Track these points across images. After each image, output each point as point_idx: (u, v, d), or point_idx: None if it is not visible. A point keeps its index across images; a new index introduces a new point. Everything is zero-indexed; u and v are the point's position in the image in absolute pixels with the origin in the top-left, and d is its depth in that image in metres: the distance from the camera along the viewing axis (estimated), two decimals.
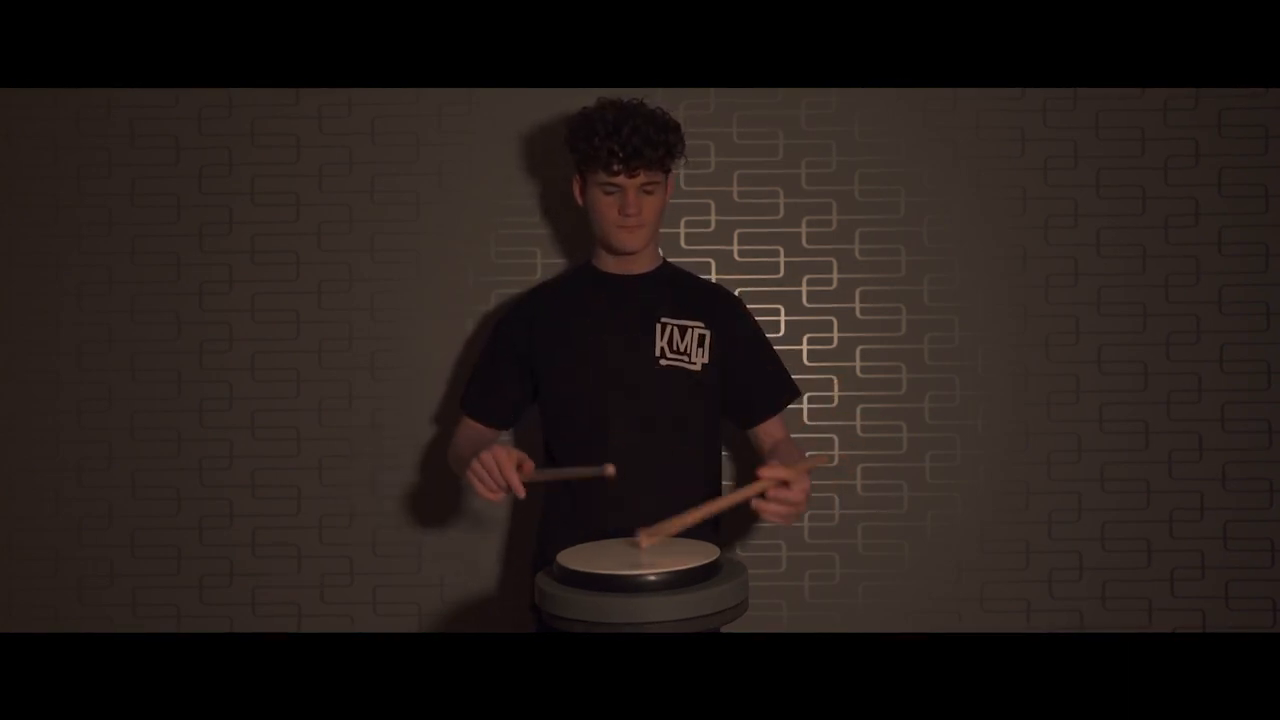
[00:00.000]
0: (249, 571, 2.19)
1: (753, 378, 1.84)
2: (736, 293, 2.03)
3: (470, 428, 1.89)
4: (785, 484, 1.50)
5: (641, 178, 1.72)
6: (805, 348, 2.18)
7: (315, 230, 2.20)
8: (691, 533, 1.65)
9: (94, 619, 2.19)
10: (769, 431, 1.85)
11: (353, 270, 2.19)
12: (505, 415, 1.88)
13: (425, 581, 2.19)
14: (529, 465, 1.58)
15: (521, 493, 1.55)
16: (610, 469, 1.52)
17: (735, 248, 2.19)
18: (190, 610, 2.19)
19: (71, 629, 2.18)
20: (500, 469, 1.54)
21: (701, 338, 1.79)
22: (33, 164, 2.19)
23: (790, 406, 1.91)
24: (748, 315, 1.88)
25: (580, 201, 1.81)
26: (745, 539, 2.18)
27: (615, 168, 1.70)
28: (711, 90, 2.18)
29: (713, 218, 2.19)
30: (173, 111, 2.20)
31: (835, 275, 2.18)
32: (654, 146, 1.70)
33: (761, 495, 1.50)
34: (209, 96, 2.19)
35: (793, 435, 2.15)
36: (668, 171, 1.77)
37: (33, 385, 2.19)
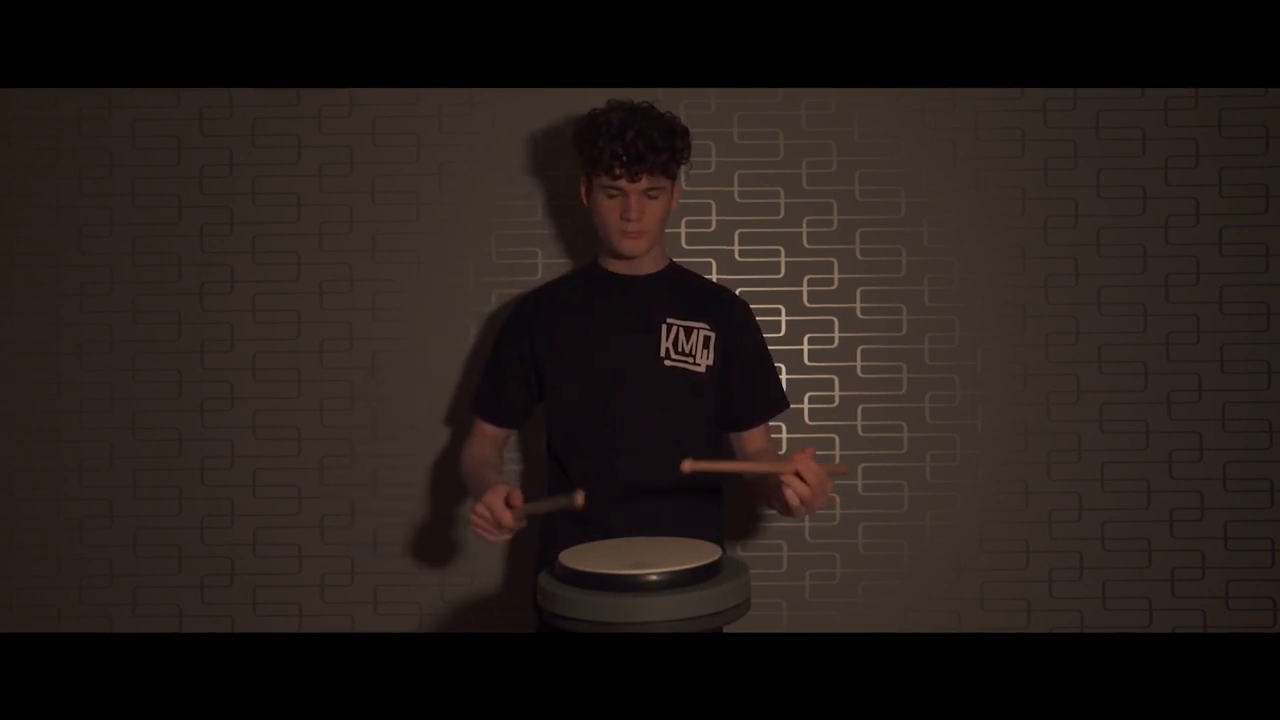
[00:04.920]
0: (250, 571, 2.19)
1: (748, 385, 1.84)
2: (737, 293, 2.03)
3: (483, 430, 1.90)
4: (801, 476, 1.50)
5: (644, 182, 1.70)
6: (806, 348, 2.18)
7: (316, 230, 2.20)
8: (693, 532, 1.66)
9: (94, 619, 2.19)
10: (752, 439, 1.85)
11: (353, 270, 2.20)
12: (515, 415, 1.89)
13: (425, 581, 2.19)
14: (517, 496, 1.58)
15: (514, 526, 1.58)
16: (579, 498, 1.51)
17: (736, 248, 2.19)
18: (191, 610, 2.19)
19: (72, 629, 2.18)
20: (493, 513, 1.56)
21: (707, 339, 1.79)
22: (34, 164, 2.20)
23: (791, 406, 1.91)
24: (753, 321, 1.87)
25: (586, 202, 1.80)
26: (746, 539, 2.19)
27: (617, 171, 1.69)
28: (712, 90, 2.18)
29: (713, 218, 2.20)
30: (174, 112, 2.20)
31: (836, 275, 2.19)
32: (657, 151, 1.69)
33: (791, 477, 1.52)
34: (210, 97, 2.19)
35: (794, 436, 2.16)
36: (672, 177, 1.75)
37: (33, 385, 2.19)
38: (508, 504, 1.56)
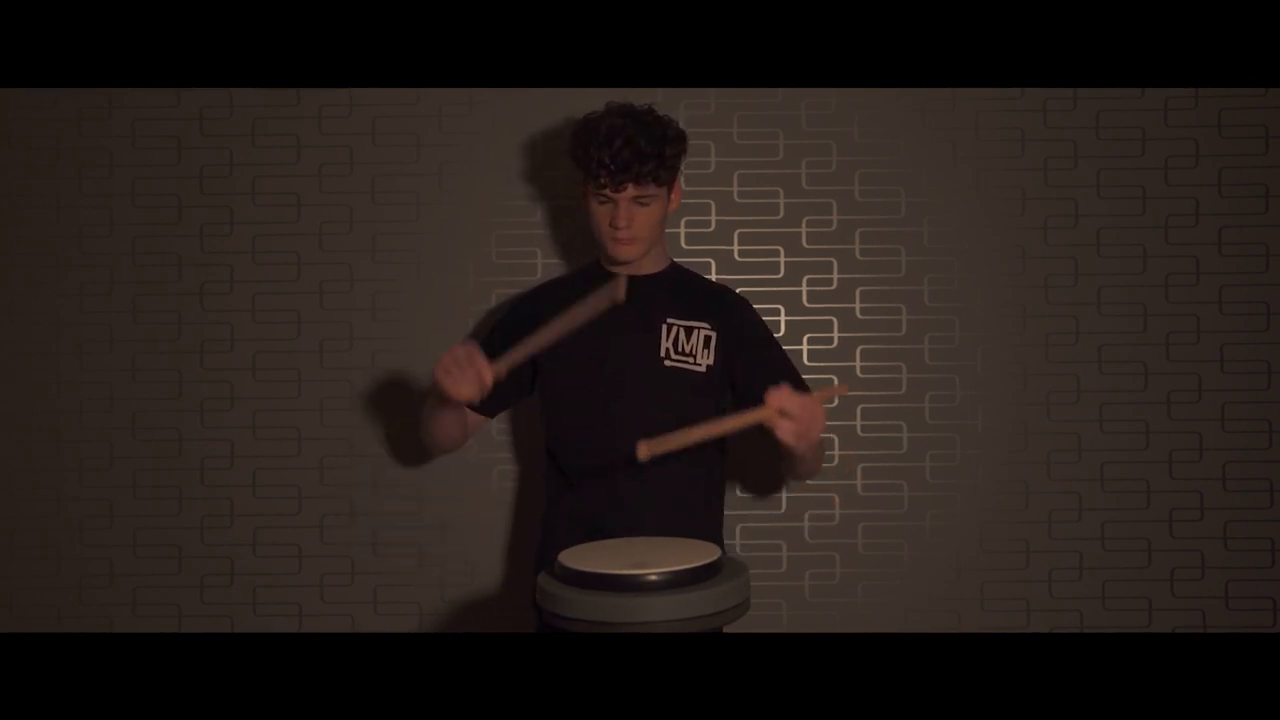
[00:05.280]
0: (250, 571, 2.19)
1: (763, 379, 1.83)
2: (737, 293, 2.04)
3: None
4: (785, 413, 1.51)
5: (631, 191, 1.71)
6: (805, 348, 2.18)
7: (316, 230, 2.20)
8: (693, 532, 1.65)
9: (94, 619, 2.19)
10: None
11: (353, 270, 2.20)
12: (493, 404, 1.88)
13: (425, 581, 2.19)
14: (504, 369, 1.59)
15: (490, 380, 1.57)
16: (621, 288, 1.50)
17: (735, 248, 2.19)
18: (191, 610, 2.19)
19: (72, 629, 2.18)
20: (470, 359, 1.56)
21: (708, 339, 1.79)
22: (33, 164, 2.20)
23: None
24: (756, 317, 1.88)
25: (583, 206, 1.80)
26: (746, 539, 2.19)
27: (603, 180, 1.70)
28: (711, 90, 2.18)
29: (713, 218, 2.20)
30: (174, 112, 2.20)
31: (835, 275, 2.19)
32: (644, 160, 1.68)
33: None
34: (210, 96, 2.19)
35: None
36: (663, 184, 1.75)
37: (33, 385, 2.19)
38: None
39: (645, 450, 1.46)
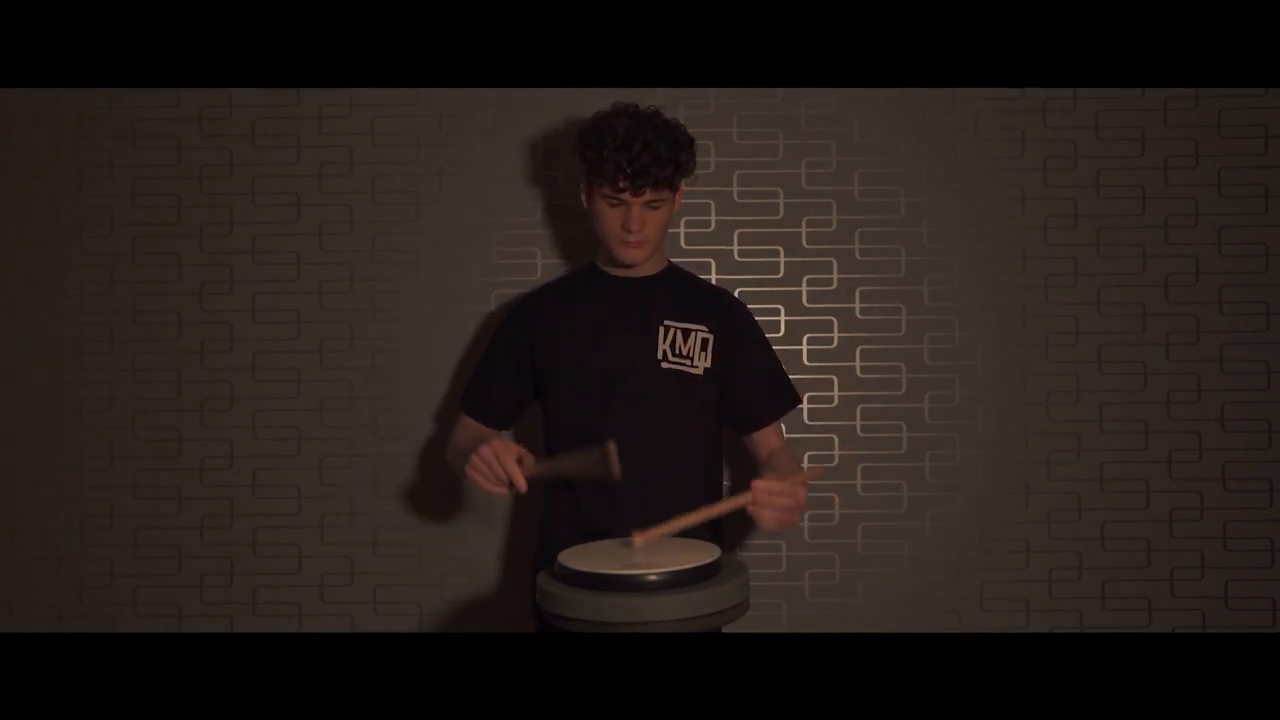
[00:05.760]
0: (250, 571, 2.19)
1: (754, 385, 1.84)
2: (736, 293, 2.04)
3: (469, 426, 1.89)
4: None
5: (647, 195, 1.70)
6: (805, 348, 2.18)
7: (316, 230, 2.20)
8: (692, 532, 1.65)
9: (94, 619, 2.19)
10: (765, 439, 1.85)
11: (353, 270, 2.20)
12: (505, 415, 1.89)
13: (425, 581, 2.19)
14: (528, 460, 1.57)
15: (523, 486, 1.54)
16: (613, 460, 1.48)
17: (735, 248, 2.19)
18: (191, 610, 2.19)
19: (72, 629, 2.18)
20: (500, 462, 1.54)
21: (705, 341, 1.79)
22: (34, 164, 2.20)
23: (801, 401, 1.91)
24: (752, 321, 1.88)
25: (586, 206, 1.80)
26: (745, 539, 2.19)
27: (621, 184, 1.68)
28: (711, 90, 2.18)
29: (713, 218, 2.20)
30: (174, 112, 2.20)
31: (835, 275, 2.19)
32: (662, 165, 1.67)
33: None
34: (210, 97, 2.19)
35: (794, 436, 2.15)
36: (675, 189, 1.75)
37: (33, 385, 2.19)
38: (519, 462, 1.55)
39: (639, 539, 1.47)
